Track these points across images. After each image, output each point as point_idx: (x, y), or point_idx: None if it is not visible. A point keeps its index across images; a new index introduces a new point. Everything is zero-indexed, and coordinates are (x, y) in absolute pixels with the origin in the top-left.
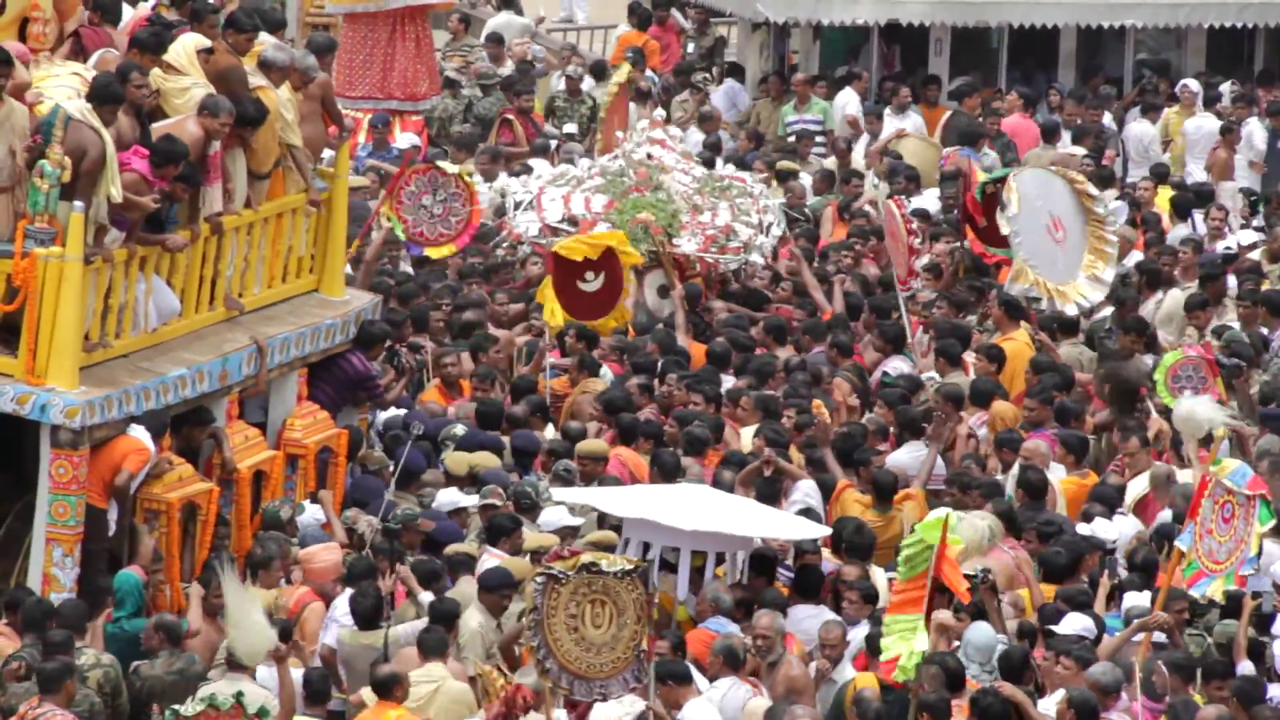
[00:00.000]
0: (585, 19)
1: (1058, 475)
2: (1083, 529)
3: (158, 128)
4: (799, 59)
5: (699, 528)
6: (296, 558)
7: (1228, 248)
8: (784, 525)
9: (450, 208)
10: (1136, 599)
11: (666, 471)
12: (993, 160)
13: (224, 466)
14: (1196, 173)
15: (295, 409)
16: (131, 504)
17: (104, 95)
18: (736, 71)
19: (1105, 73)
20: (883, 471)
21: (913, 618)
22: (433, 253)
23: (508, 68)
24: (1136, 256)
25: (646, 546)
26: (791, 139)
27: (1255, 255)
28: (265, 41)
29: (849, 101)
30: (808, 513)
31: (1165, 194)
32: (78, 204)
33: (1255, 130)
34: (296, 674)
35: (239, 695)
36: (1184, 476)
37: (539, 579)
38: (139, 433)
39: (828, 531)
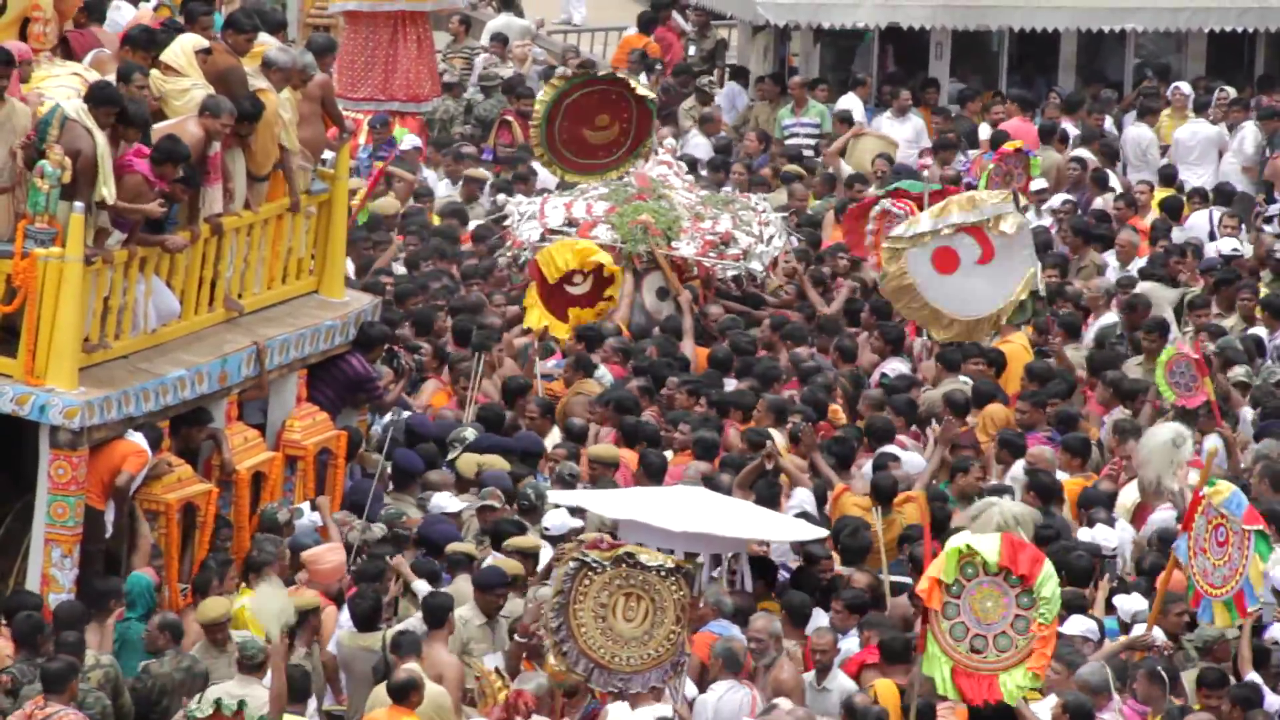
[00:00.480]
0: (581, 20)
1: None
2: (1084, 534)
3: (159, 129)
4: (799, 62)
5: (691, 529)
6: (302, 561)
7: (1229, 251)
8: (780, 527)
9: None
10: (1130, 602)
11: (652, 473)
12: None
13: (223, 468)
14: (1191, 179)
15: (294, 410)
16: (130, 504)
17: (100, 97)
18: (740, 74)
19: (1105, 77)
20: (882, 475)
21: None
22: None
23: (509, 69)
24: (1140, 262)
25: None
26: (791, 141)
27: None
28: (267, 42)
29: (853, 107)
30: (805, 517)
31: (1159, 195)
32: (78, 204)
33: (1248, 135)
34: None
35: (242, 704)
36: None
37: (572, 564)
38: (136, 437)
39: (825, 533)
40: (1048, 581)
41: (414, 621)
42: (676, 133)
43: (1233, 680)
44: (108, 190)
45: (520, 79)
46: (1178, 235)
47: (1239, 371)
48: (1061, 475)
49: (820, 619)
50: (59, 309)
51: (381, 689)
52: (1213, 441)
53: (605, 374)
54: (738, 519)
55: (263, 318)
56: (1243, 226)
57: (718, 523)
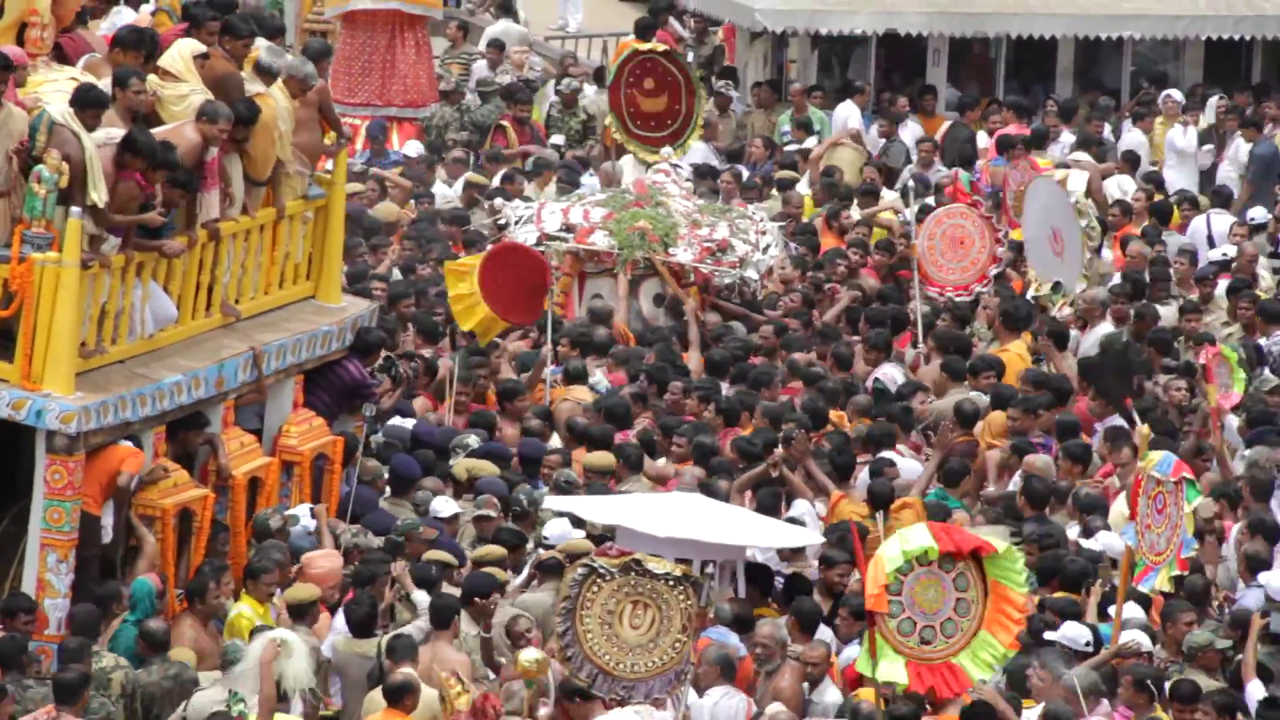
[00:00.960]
0: (577, 26)
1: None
2: (1085, 541)
3: (156, 134)
4: (796, 68)
5: (682, 535)
6: (301, 565)
7: (1219, 257)
8: (775, 533)
9: None
10: (1127, 610)
11: (631, 465)
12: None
13: (219, 473)
14: (1177, 183)
15: (291, 416)
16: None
17: (86, 100)
18: (731, 77)
19: (1103, 84)
20: (879, 481)
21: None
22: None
23: (506, 75)
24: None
25: None
26: (791, 147)
27: None
28: (261, 47)
29: (850, 114)
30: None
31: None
32: (75, 209)
33: (1242, 143)
34: None
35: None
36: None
37: (580, 571)
38: (127, 444)
39: (820, 539)
40: (1012, 555)
41: (411, 627)
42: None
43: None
44: (97, 194)
45: (518, 85)
46: (1172, 241)
47: None
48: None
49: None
50: (56, 314)
51: (377, 693)
52: (1144, 428)
53: (601, 380)
54: (732, 526)
55: (260, 323)
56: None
57: (711, 529)
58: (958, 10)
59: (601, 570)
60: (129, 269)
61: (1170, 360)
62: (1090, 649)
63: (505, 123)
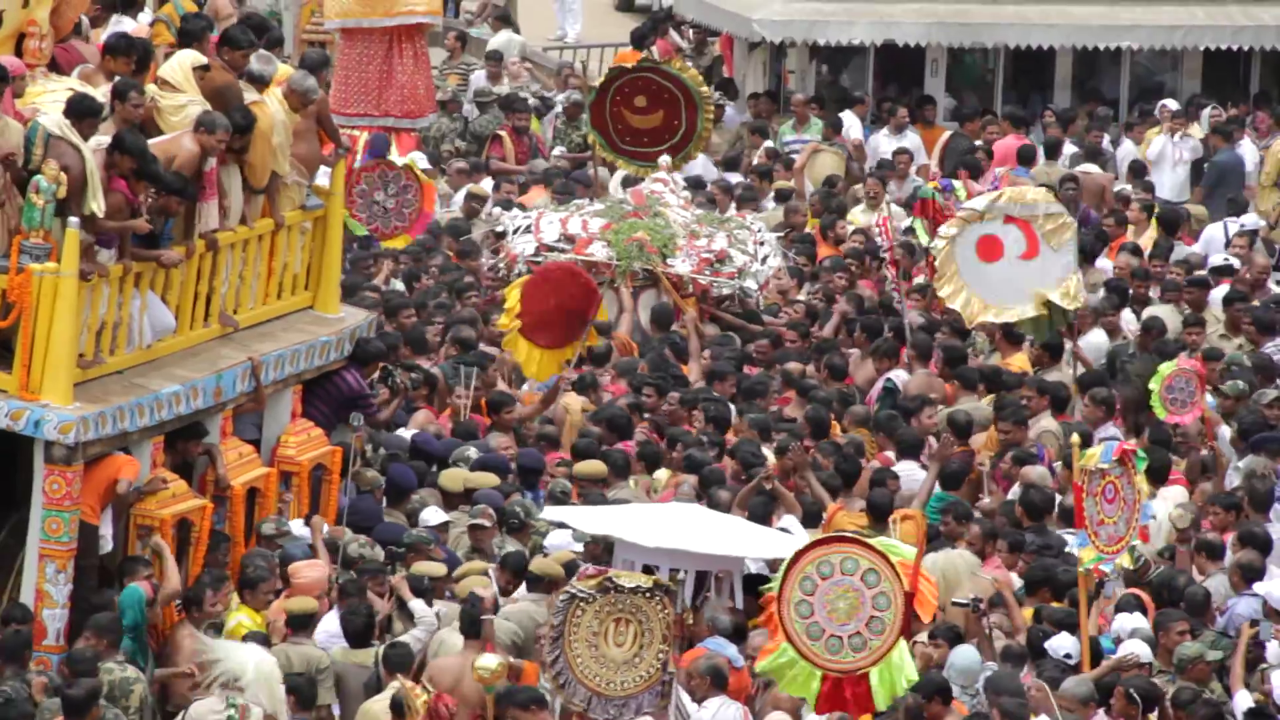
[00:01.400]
0: (575, 37)
1: None
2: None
3: (153, 144)
4: (794, 79)
5: (675, 546)
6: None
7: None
8: (769, 543)
9: (402, 199)
10: (1128, 620)
11: (618, 471)
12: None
13: (218, 483)
14: (1161, 192)
15: (289, 426)
16: (125, 523)
17: (81, 109)
18: (729, 88)
19: (1101, 94)
20: (879, 492)
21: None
22: (389, 244)
23: (504, 86)
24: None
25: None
26: (793, 157)
27: None
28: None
29: (851, 125)
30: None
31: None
32: (73, 220)
33: (1248, 153)
34: None
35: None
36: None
37: (562, 598)
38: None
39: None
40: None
41: (408, 637)
42: None
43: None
44: (97, 205)
45: (516, 95)
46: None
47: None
48: None
49: None
50: (54, 324)
51: (372, 704)
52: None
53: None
54: (726, 536)
55: (258, 333)
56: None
57: (705, 540)
58: (955, 21)
59: (581, 594)
60: (127, 279)
61: None
62: (1071, 661)
63: (502, 133)
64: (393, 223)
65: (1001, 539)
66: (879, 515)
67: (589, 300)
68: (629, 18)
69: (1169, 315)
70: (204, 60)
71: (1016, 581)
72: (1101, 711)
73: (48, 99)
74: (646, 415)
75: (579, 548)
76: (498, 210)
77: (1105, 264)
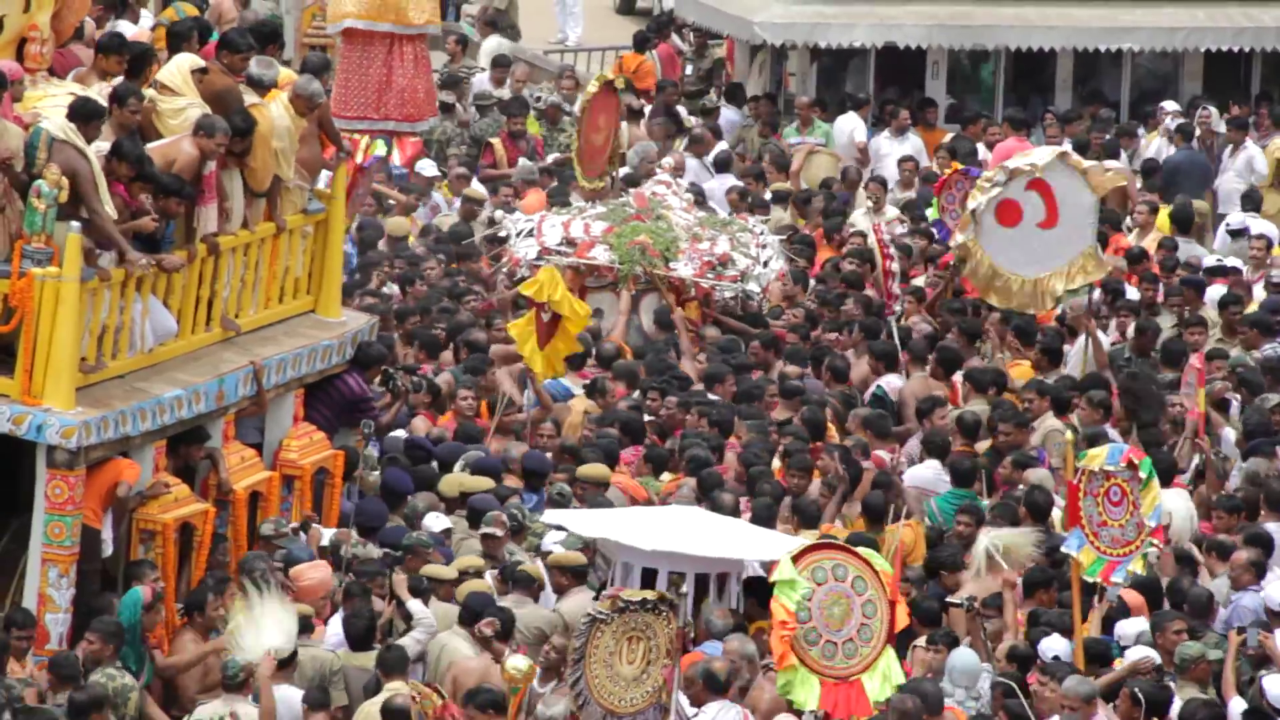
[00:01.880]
0: (577, 40)
1: None
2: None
3: (153, 148)
4: (796, 82)
5: (673, 549)
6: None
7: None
8: (767, 545)
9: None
10: (1130, 625)
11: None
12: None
13: (220, 487)
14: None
15: (291, 430)
16: (127, 527)
17: (84, 112)
18: (736, 94)
19: (1103, 97)
20: (873, 494)
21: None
22: None
23: (505, 91)
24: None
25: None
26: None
27: None
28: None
29: (854, 127)
30: None
31: (1164, 211)
32: (74, 224)
33: (1255, 156)
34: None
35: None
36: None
37: (584, 621)
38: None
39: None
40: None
41: (407, 639)
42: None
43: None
44: (109, 206)
45: (517, 99)
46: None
47: None
48: None
49: None
50: (56, 329)
51: (370, 705)
52: (1068, 434)
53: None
54: (725, 538)
55: (260, 337)
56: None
57: (704, 542)
58: (956, 23)
59: (601, 616)
60: (129, 284)
61: (1174, 374)
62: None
63: (494, 139)
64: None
65: None
66: (874, 518)
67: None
68: (630, 20)
69: (1163, 318)
70: (202, 63)
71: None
72: (1110, 707)
73: (48, 103)
74: (648, 418)
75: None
76: (500, 214)
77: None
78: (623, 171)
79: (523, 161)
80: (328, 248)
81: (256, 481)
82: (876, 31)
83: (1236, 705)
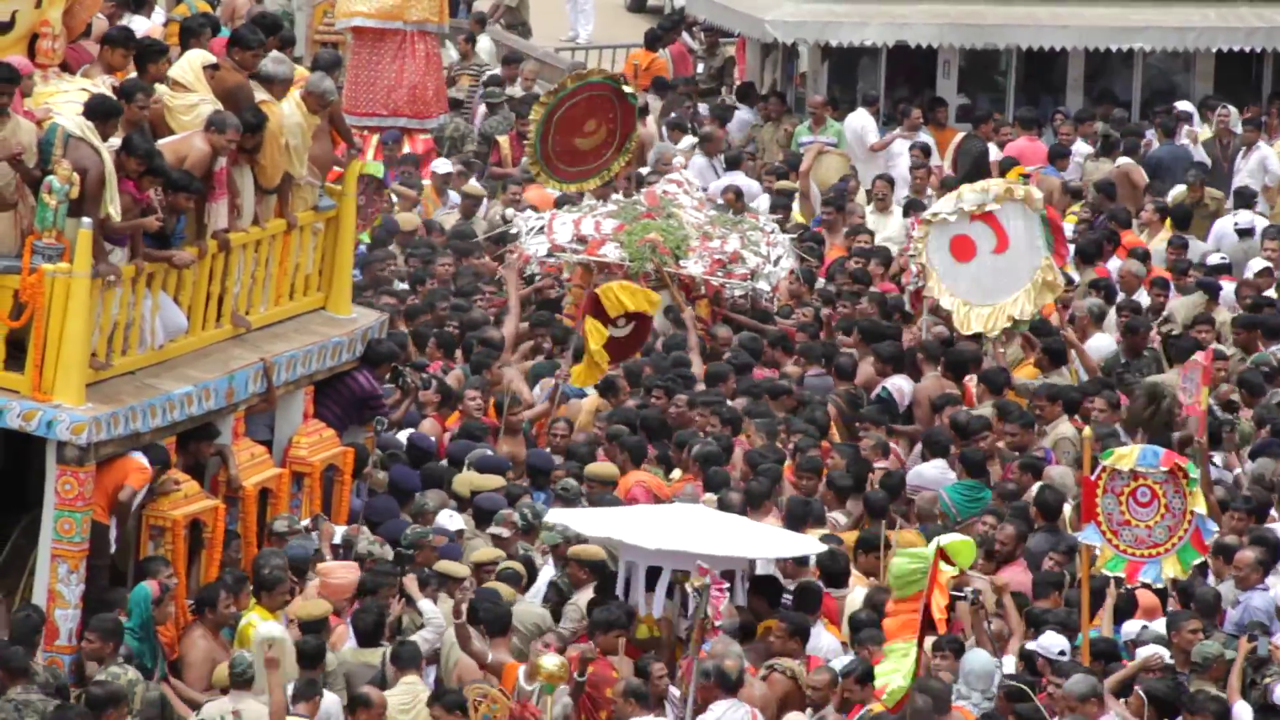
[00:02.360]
0: (587, 38)
1: None
2: None
3: (164, 144)
4: (807, 80)
5: (679, 549)
6: (317, 571)
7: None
8: (773, 543)
9: (369, 198)
10: (1134, 624)
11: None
12: None
13: (230, 484)
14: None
15: (301, 427)
16: (137, 523)
17: (101, 110)
18: (748, 93)
19: (1114, 96)
20: (874, 492)
21: (907, 645)
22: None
23: (517, 88)
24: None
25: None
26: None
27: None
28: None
29: (864, 124)
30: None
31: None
32: (86, 220)
33: (1269, 156)
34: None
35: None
36: None
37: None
38: (138, 456)
39: (822, 546)
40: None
41: (416, 636)
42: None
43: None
44: (114, 208)
45: (529, 97)
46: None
47: None
48: None
49: (822, 638)
50: (66, 325)
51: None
52: (1087, 429)
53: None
54: (732, 537)
55: (270, 334)
56: None
57: (709, 541)
58: (967, 22)
59: None
60: (139, 280)
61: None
62: (1064, 658)
63: (501, 137)
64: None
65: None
66: (875, 513)
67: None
68: (641, 19)
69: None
70: (214, 59)
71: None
72: (1122, 703)
73: (60, 99)
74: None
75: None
76: (510, 212)
77: (1116, 265)
78: (644, 171)
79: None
80: (338, 244)
81: (266, 478)
82: (888, 30)
83: (1241, 709)
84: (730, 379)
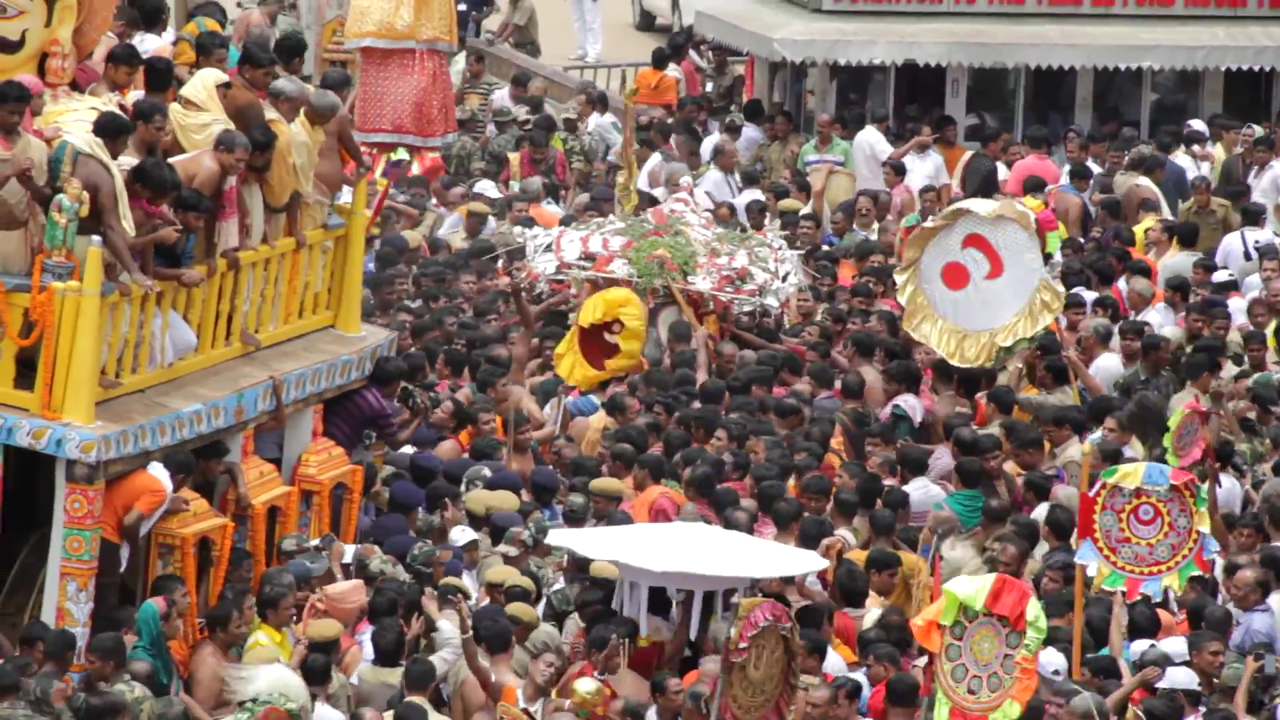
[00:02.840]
0: (596, 57)
1: None
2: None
3: (173, 162)
4: (815, 99)
5: (679, 569)
6: (325, 594)
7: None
8: (774, 562)
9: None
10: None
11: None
12: None
13: (239, 502)
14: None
15: (310, 445)
16: (146, 541)
17: (111, 128)
18: (756, 112)
19: (1122, 115)
20: (881, 512)
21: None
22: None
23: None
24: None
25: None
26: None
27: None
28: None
29: (874, 141)
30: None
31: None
32: (95, 238)
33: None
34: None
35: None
36: None
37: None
38: (157, 470)
39: (825, 564)
40: (1040, 614)
41: (435, 659)
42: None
43: None
44: (128, 223)
45: (546, 118)
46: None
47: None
48: None
49: (830, 657)
50: (76, 343)
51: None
52: (1087, 444)
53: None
54: (735, 555)
55: (279, 352)
56: None
57: (711, 561)
58: (976, 41)
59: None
60: (149, 298)
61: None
62: (1058, 677)
63: (512, 155)
64: None
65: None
66: (882, 532)
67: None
68: (650, 37)
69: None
70: (226, 78)
71: None
72: None
73: (69, 118)
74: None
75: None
76: (518, 229)
77: (1123, 285)
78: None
79: (528, 180)
80: (347, 263)
81: (275, 496)
82: (896, 49)
83: None
84: (725, 398)
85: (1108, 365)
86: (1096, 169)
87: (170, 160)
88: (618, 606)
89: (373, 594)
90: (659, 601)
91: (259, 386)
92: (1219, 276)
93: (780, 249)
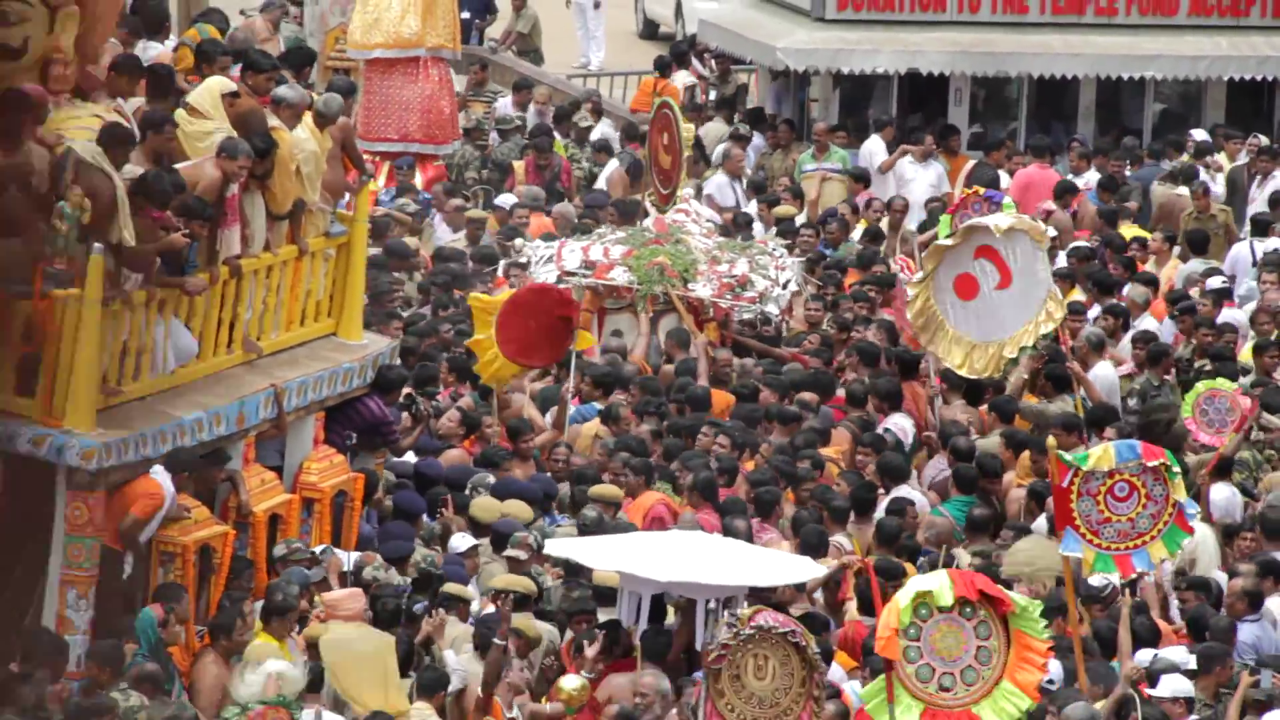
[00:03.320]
0: (599, 65)
1: None
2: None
3: (176, 169)
4: (818, 107)
5: (680, 579)
6: (323, 601)
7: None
8: (774, 570)
9: None
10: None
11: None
12: None
13: (240, 509)
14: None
15: (312, 453)
16: (146, 548)
17: (115, 138)
18: (759, 119)
19: (1124, 124)
20: (888, 519)
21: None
22: None
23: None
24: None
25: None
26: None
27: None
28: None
29: (876, 150)
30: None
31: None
32: (97, 245)
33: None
34: None
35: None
36: None
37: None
38: (159, 475)
39: (824, 570)
40: (1032, 607)
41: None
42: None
43: None
44: (127, 233)
45: (542, 124)
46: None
47: None
48: None
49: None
50: (77, 350)
51: None
52: (1051, 439)
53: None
54: (735, 564)
55: (281, 360)
56: None
57: (712, 569)
58: (979, 50)
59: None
60: (150, 305)
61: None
62: (1052, 685)
63: (517, 162)
64: None
65: None
66: (886, 542)
67: (567, 308)
68: (652, 46)
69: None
70: (233, 86)
71: None
72: None
73: (72, 125)
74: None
75: None
76: (519, 241)
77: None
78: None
79: (527, 188)
80: (349, 270)
81: (276, 504)
82: (899, 58)
83: None
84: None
85: (1103, 374)
86: (1096, 176)
87: (174, 166)
88: (619, 616)
89: (375, 604)
90: (658, 609)
91: (261, 394)
92: (1213, 283)
93: (781, 256)
